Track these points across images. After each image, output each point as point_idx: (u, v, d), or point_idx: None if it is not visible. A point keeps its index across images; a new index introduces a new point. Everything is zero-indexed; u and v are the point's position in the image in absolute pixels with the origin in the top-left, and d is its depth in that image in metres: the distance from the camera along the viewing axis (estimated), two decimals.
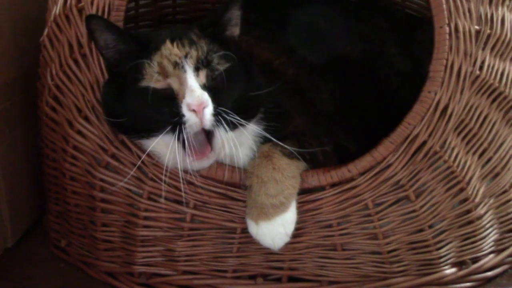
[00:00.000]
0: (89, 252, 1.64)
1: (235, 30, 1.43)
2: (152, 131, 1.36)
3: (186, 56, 1.34)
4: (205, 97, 1.32)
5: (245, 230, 1.48)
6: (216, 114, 1.33)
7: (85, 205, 1.60)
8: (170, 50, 1.35)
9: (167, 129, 1.34)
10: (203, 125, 1.33)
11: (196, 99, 1.32)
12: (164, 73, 1.34)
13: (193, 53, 1.35)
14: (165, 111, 1.34)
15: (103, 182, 1.55)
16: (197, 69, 1.34)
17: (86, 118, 1.52)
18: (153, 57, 1.35)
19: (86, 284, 1.63)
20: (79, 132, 1.54)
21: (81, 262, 1.67)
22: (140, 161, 1.45)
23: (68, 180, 1.61)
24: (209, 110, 1.32)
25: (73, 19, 1.52)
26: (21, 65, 1.75)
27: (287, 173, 1.44)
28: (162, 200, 1.49)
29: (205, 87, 1.34)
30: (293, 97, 1.58)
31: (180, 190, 1.48)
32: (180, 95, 1.33)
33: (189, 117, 1.32)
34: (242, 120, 1.36)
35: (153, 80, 1.33)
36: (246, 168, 1.46)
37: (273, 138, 1.43)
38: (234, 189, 1.48)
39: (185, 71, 1.33)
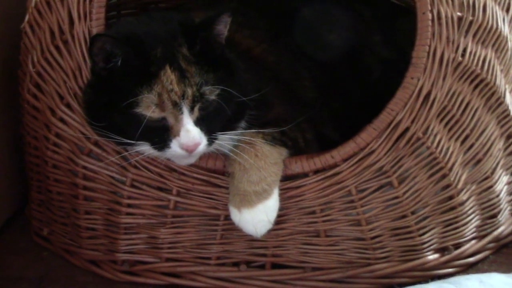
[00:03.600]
0: (72, 240, 1.63)
1: (223, 37, 1.40)
2: (135, 145, 1.37)
3: (183, 96, 1.32)
4: (199, 137, 1.33)
5: (228, 217, 1.48)
6: (208, 142, 1.35)
7: (68, 193, 1.59)
8: (172, 82, 1.33)
9: (151, 147, 1.36)
10: (192, 156, 1.36)
11: (191, 140, 1.32)
12: (162, 107, 1.33)
13: (189, 91, 1.33)
14: (155, 139, 1.35)
15: (85, 170, 1.54)
16: (192, 108, 1.34)
17: (68, 105, 1.51)
18: (154, 87, 1.32)
19: (69, 272, 1.62)
20: (61, 120, 1.53)
21: (64, 251, 1.66)
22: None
23: (50, 168, 1.60)
24: (201, 146, 1.34)
25: (54, 5, 1.50)
26: (1, 52, 1.73)
27: (269, 160, 1.44)
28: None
29: (197, 120, 1.34)
30: (273, 84, 1.58)
31: (163, 177, 1.48)
32: (174, 130, 1.33)
33: (178, 151, 1.34)
34: (230, 132, 1.40)
35: (149, 111, 1.32)
36: (228, 155, 1.45)
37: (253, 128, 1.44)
38: (217, 176, 1.48)
39: (182, 113, 1.33)
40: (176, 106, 1.32)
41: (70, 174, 1.56)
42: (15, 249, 1.71)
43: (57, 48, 1.51)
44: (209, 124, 1.35)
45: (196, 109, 1.34)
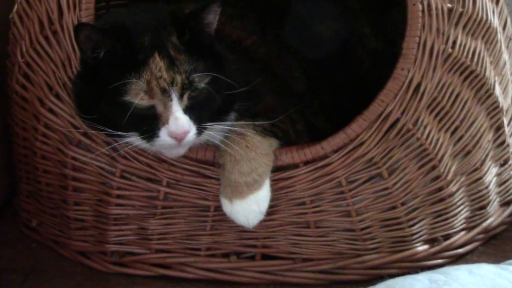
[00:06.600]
0: (61, 231, 1.63)
1: (213, 28, 1.40)
2: (124, 136, 1.36)
3: (172, 83, 1.32)
4: (188, 125, 1.33)
5: (218, 208, 1.48)
6: (198, 132, 1.35)
7: (57, 184, 1.58)
8: (161, 70, 1.32)
9: (140, 137, 1.35)
10: (181, 146, 1.35)
11: (180, 127, 1.32)
12: (150, 95, 1.32)
13: (178, 79, 1.33)
14: (144, 128, 1.34)
15: (75, 161, 1.53)
16: (181, 96, 1.33)
17: (57, 96, 1.51)
18: (142, 74, 1.32)
19: (58, 263, 1.61)
20: (50, 110, 1.52)
21: (53, 242, 1.65)
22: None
23: (39, 159, 1.59)
24: (191, 135, 1.33)
25: None
26: None
27: (260, 151, 1.44)
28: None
29: (187, 108, 1.34)
30: (263, 76, 1.58)
31: (153, 168, 1.48)
32: (163, 118, 1.33)
33: (168, 140, 1.33)
34: (221, 123, 1.39)
35: (138, 98, 1.31)
36: (219, 146, 1.45)
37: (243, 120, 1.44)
38: (207, 167, 1.48)
39: (171, 100, 1.32)
40: (165, 93, 1.32)
41: (59, 164, 1.55)
42: (4, 241, 1.70)
43: (46, 38, 1.51)
44: (198, 113, 1.35)
45: (185, 97, 1.34)
